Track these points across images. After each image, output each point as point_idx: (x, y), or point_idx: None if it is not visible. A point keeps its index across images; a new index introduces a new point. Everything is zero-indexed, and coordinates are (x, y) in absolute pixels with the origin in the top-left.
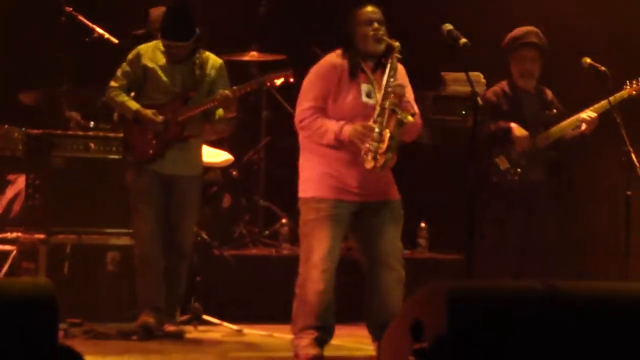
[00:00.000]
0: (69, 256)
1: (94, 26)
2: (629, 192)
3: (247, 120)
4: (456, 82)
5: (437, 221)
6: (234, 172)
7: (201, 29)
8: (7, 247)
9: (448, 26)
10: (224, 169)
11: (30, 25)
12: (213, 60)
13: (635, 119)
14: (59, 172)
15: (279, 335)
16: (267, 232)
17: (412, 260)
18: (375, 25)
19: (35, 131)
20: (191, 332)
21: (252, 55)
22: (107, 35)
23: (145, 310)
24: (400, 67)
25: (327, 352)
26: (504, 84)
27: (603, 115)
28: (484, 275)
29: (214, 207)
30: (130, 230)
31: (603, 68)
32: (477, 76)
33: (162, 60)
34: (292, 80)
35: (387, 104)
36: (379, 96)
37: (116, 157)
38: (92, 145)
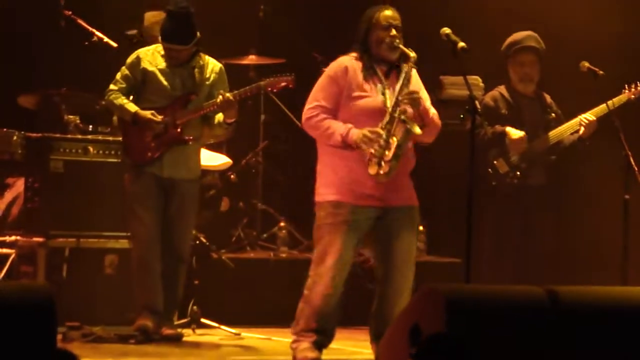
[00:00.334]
0: (67, 259)
1: (93, 30)
2: (627, 196)
3: (245, 124)
4: (454, 86)
5: (435, 225)
6: (232, 176)
7: (201, 33)
8: (6, 251)
9: (446, 30)
10: (222, 173)
11: (29, 28)
12: (213, 64)
13: (633, 123)
14: (58, 176)
15: (277, 338)
16: (265, 236)
17: None
18: (393, 31)
19: (34, 135)
20: (189, 335)
21: (251, 59)
22: (106, 39)
23: (143, 314)
24: (414, 72)
25: (326, 355)
26: (502, 88)
27: (601, 120)
28: (482, 278)
29: (212, 211)
30: (128, 234)
31: (601, 72)
32: (476, 80)
33: (162, 63)
34: (292, 85)
35: (397, 112)
36: (390, 99)
37: (115, 160)
38: (91, 148)
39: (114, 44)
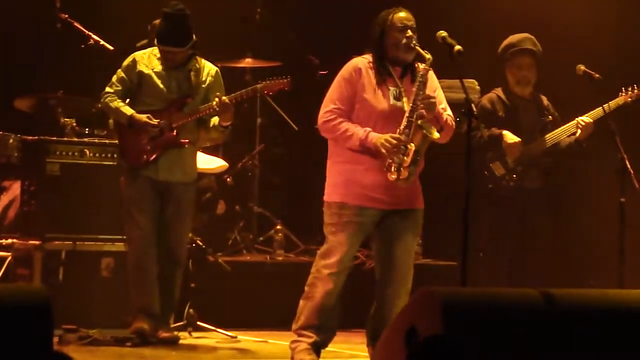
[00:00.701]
0: (63, 262)
1: (90, 33)
2: (622, 199)
3: (241, 127)
4: (450, 89)
5: (431, 227)
6: (229, 179)
7: (197, 36)
8: (2, 254)
9: (442, 33)
10: (219, 176)
11: (25, 31)
12: (209, 67)
13: (629, 126)
14: (54, 179)
15: (274, 341)
16: (261, 239)
17: None
18: (409, 32)
19: (31, 138)
20: (186, 338)
21: (247, 62)
22: (102, 42)
23: (139, 317)
24: (430, 73)
25: (323, 357)
26: (499, 91)
27: (598, 122)
28: (479, 281)
29: (208, 214)
30: (125, 237)
31: (597, 75)
32: (472, 83)
33: (158, 66)
34: (288, 89)
35: (414, 117)
36: (406, 104)
37: (111, 163)
38: (87, 151)
39: (110, 47)
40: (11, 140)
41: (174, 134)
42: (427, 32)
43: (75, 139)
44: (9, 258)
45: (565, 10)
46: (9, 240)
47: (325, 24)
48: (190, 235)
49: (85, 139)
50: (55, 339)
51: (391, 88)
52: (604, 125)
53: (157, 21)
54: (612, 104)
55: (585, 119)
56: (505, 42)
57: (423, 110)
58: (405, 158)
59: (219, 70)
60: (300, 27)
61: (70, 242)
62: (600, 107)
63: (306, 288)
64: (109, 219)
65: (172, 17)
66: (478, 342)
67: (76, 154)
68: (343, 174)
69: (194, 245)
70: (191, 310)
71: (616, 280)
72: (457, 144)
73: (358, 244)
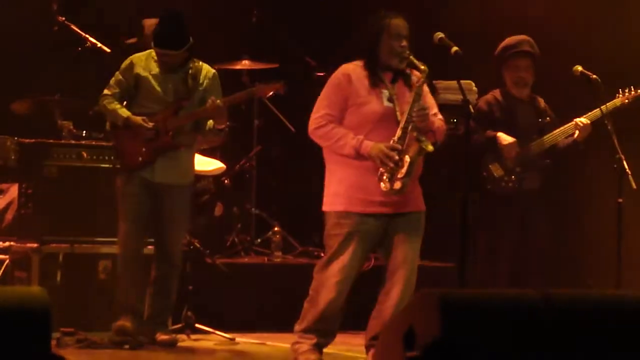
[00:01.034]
0: (61, 265)
1: (87, 36)
2: (620, 200)
3: (238, 129)
4: (448, 90)
5: (429, 229)
6: (226, 181)
7: (194, 38)
8: (0, 257)
9: (440, 34)
10: (216, 178)
11: (22, 34)
12: (206, 69)
13: (627, 127)
14: (52, 181)
15: (272, 343)
16: (259, 241)
17: None
18: (404, 42)
19: (28, 140)
20: (184, 340)
21: (244, 64)
22: (99, 45)
23: (122, 315)
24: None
25: None
26: (496, 92)
27: (595, 124)
28: (477, 283)
29: (206, 216)
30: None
31: (594, 76)
32: (469, 84)
33: (155, 69)
34: (282, 92)
35: (409, 128)
36: (398, 109)
37: (108, 166)
38: (84, 154)
39: (107, 50)
40: (8, 143)
41: (170, 136)
42: (424, 34)
43: (73, 142)
44: (7, 261)
45: (562, 12)
46: (7, 243)
47: (323, 26)
48: (188, 237)
49: (83, 142)
50: (53, 342)
51: (384, 91)
52: (601, 127)
53: (148, 20)
54: (610, 105)
55: (583, 120)
56: (503, 44)
57: (417, 122)
58: (400, 169)
59: (216, 73)
60: (297, 29)
61: (68, 245)
62: (598, 109)
63: (311, 292)
64: (106, 222)
65: (168, 20)
66: (477, 343)
67: (73, 156)
68: (344, 181)
69: (191, 247)
70: (189, 313)
71: (614, 280)
72: (455, 145)
73: (362, 253)
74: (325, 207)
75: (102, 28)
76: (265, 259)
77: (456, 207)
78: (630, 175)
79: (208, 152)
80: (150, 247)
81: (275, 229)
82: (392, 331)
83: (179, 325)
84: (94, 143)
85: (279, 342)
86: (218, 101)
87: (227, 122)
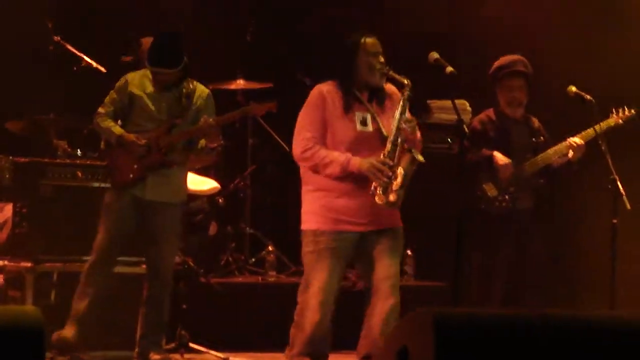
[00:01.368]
0: (55, 284)
1: (82, 55)
2: (615, 220)
3: (233, 148)
4: (442, 109)
5: (423, 249)
6: (220, 200)
7: (188, 57)
8: None
9: (435, 54)
10: (210, 197)
11: (18, 53)
12: (200, 89)
13: (620, 147)
14: (46, 200)
15: None
16: (253, 260)
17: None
18: (381, 59)
19: (23, 159)
20: None
21: (239, 84)
22: (94, 64)
23: (69, 324)
24: (393, 89)
25: None
26: (490, 112)
27: (589, 143)
28: (471, 302)
29: (200, 235)
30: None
31: (588, 96)
32: (463, 104)
33: (150, 87)
34: (275, 110)
35: (399, 141)
36: (382, 126)
37: (103, 185)
38: (79, 173)
39: (103, 69)
40: (3, 162)
41: (162, 153)
42: (419, 53)
43: (68, 161)
44: (1, 280)
45: (556, 32)
46: (1, 262)
47: (317, 44)
48: (182, 256)
49: (78, 161)
50: None
51: (357, 113)
52: (595, 146)
53: (145, 39)
54: (603, 124)
55: (577, 140)
56: (497, 63)
57: (406, 134)
58: (394, 182)
59: (210, 93)
60: (292, 48)
61: (62, 264)
62: (592, 128)
63: (295, 317)
64: None
65: (163, 39)
66: None
67: (68, 175)
68: (317, 200)
69: (186, 266)
70: (183, 332)
71: (608, 300)
72: (449, 164)
73: (340, 270)
74: (302, 226)
75: (99, 47)
76: (260, 278)
77: (450, 226)
78: (624, 196)
79: (202, 171)
80: (143, 266)
81: (270, 248)
82: (386, 350)
83: (173, 345)
84: (88, 162)
85: None
86: (211, 120)
87: (221, 142)
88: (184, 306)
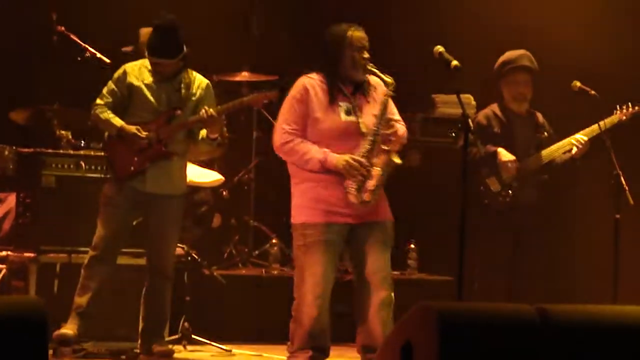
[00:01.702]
0: (58, 275)
1: (86, 46)
2: (617, 216)
3: (237, 141)
4: (446, 104)
5: (426, 242)
6: (225, 192)
7: (193, 49)
8: None
9: (439, 48)
10: (214, 189)
11: (22, 43)
12: (200, 80)
13: (624, 143)
14: (50, 191)
15: (268, 355)
16: (256, 252)
17: (401, 281)
18: (366, 54)
19: (26, 150)
20: (180, 351)
21: (244, 76)
22: (98, 55)
23: (70, 319)
24: (377, 80)
25: None
26: (494, 107)
27: (592, 139)
28: (474, 296)
29: (203, 227)
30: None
31: (593, 92)
32: (468, 98)
33: (149, 78)
34: (276, 100)
35: (378, 140)
36: (361, 120)
37: (107, 176)
38: (82, 164)
39: (107, 60)
40: (6, 152)
41: (162, 146)
42: (423, 48)
43: (71, 152)
44: (4, 270)
45: (561, 27)
46: (4, 253)
47: (323, 37)
48: (185, 248)
49: (81, 152)
50: (50, 352)
51: (341, 104)
52: (599, 142)
53: (144, 28)
54: (608, 121)
55: (581, 136)
56: (502, 58)
57: (385, 134)
58: (369, 181)
59: (210, 83)
60: (297, 40)
61: (65, 255)
62: (596, 124)
63: (293, 312)
64: None
65: (161, 29)
66: (473, 357)
67: (72, 166)
68: (306, 193)
69: (189, 258)
70: (186, 324)
71: (611, 295)
72: (453, 159)
73: (332, 262)
74: (292, 220)
75: (102, 37)
76: (263, 270)
77: (454, 220)
78: (627, 192)
79: (206, 164)
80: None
81: (273, 241)
82: (390, 345)
83: (176, 337)
84: (92, 153)
85: (275, 354)
86: (211, 110)
87: (227, 134)
88: (188, 298)
